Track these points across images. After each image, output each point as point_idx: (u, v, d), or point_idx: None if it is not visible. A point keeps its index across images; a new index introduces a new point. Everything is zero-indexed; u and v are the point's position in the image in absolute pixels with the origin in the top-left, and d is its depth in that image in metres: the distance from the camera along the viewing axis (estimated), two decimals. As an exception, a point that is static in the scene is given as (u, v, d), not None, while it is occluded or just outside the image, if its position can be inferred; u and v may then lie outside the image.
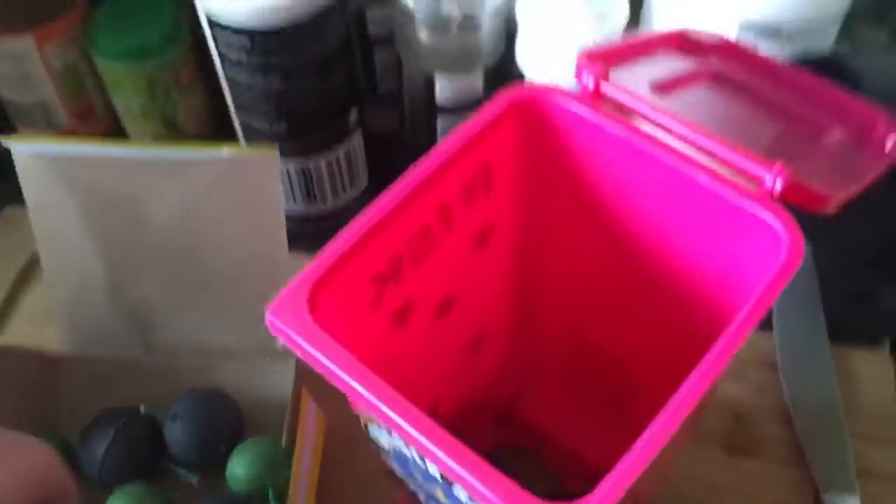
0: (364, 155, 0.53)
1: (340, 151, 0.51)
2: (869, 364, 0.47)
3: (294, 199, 0.52)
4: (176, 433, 0.43)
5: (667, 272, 0.33)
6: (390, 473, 0.36)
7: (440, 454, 0.24)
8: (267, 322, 0.26)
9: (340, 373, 0.25)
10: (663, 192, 0.31)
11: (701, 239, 0.31)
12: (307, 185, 0.51)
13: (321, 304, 0.27)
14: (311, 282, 0.27)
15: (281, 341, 0.26)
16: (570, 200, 0.34)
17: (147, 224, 0.44)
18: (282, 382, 0.42)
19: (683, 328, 0.34)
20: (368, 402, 0.25)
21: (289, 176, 0.51)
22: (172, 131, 0.55)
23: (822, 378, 0.45)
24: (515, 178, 0.34)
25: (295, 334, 0.26)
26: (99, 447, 0.42)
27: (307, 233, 0.54)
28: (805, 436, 0.44)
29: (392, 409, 0.25)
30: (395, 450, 0.31)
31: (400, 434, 0.25)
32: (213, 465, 0.42)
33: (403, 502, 0.38)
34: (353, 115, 0.50)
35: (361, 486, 0.44)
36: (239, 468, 0.41)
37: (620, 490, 0.23)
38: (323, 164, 0.50)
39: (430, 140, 0.52)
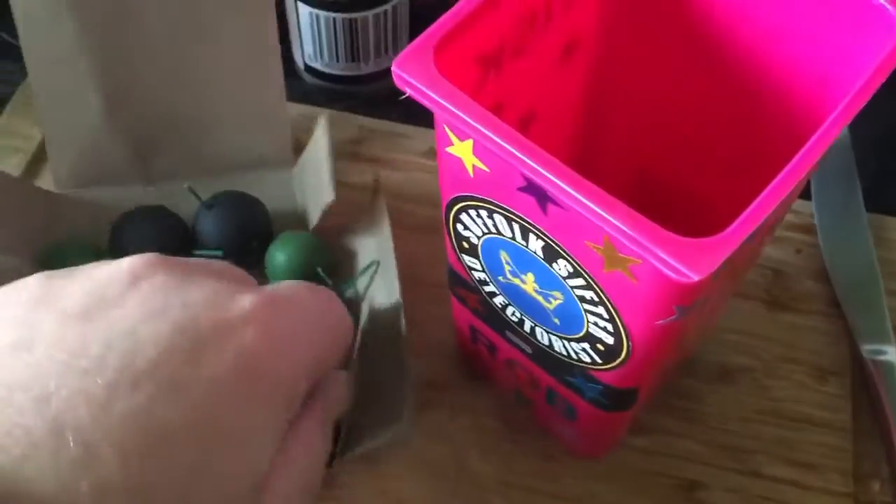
0: (408, 14, 0.53)
1: (388, 6, 0.50)
2: (902, 231, 0.48)
3: (337, 58, 0.52)
4: (209, 223, 0.43)
5: (758, 86, 0.34)
6: (458, 288, 0.36)
7: (577, 193, 0.24)
8: (393, 75, 0.27)
9: (469, 119, 0.26)
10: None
11: (802, 43, 0.32)
12: (352, 42, 0.51)
13: (441, 68, 0.27)
14: (434, 40, 0.27)
15: (408, 92, 0.26)
16: (656, 11, 0.34)
17: (139, 33, 0.42)
18: (289, 192, 0.44)
19: (773, 152, 0.35)
20: (499, 146, 0.25)
21: (334, 30, 0.50)
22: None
23: (858, 240, 0.47)
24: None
25: (422, 84, 0.26)
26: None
27: (346, 93, 0.54)
28: (843, 292, 0.45)
29: (525, 151, 0.25)
30: (486, 241, 0.32)
31: (534, 176, 0.25)
32: (243, 260, 0.43)
33: (462, 325, 0.39)
34: (404, -30, 0.50)
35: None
36: (280, 254, 0.41)
37: (753, 224, 0.24)
38: (370, 18, 0.50)
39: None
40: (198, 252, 0.43)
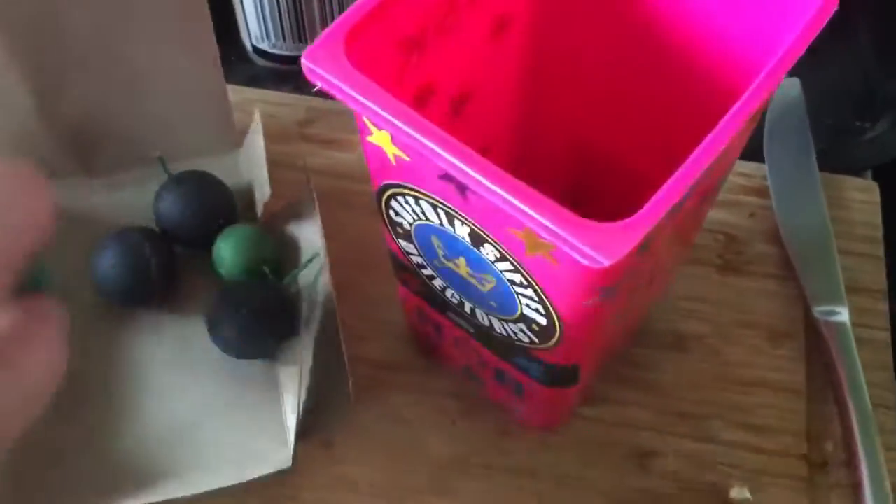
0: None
1: (333, -18, 0.50)
2: (856, 190, 0.48)
3: (284, 37, 0.52)
4: (169, 202, 0.43)
5: (692, 59, 0.34)
6: (400, 272, 0.36)
7: (490, 183, 0.24)
8: (303, 67, 0.26)
9: (382, 111, 0.25)
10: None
11: (733, 13, 0.31)
12: (298, 20, 0.50)
13: (353, 57, 0.27)
14: (346, 28, 0.27)
15: (318, 85, 0.26)
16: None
17: (66, 26, 0.41)
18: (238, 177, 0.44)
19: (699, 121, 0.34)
20: (413, 138, 0.25)
21: (279, 8, 0.50)
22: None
23: (812, 202, 0.47)
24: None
25: (333, 76, 0.26)
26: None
27: (294, 73, 0.54)
28: (796, 254, 0.45)
29: (438, 142, 0.25)
30: (417, 227, 0.31)
31: (448, 168, 0.25)
32: (202, 244, 0.43)
33: (409, 307, 0.39)
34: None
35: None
36: (226, 248, 0.41)
37: (664, 207, 0.24)
38: (315, -5, 0.50)
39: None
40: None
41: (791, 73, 0.50)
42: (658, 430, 0.41)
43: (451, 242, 0.30)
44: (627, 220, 0.23)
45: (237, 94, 0.51)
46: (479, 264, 0.30)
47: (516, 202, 0.24)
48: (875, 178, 0.49)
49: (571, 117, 0.40)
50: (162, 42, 0.42)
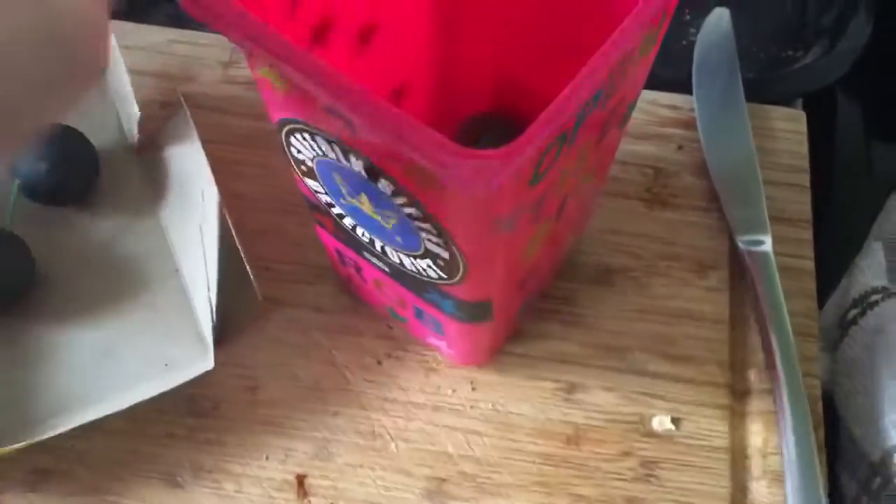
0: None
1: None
2: (783, 119, 0.48)
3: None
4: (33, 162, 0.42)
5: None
6: (314, 212, 0.36)
7: (367, 112, 0.24)
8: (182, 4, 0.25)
9: (261, 44, 0.24)
10: None
11: None
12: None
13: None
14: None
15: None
16: None
17: None
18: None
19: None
20: (282, 66, 0.24)
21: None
22: None
23: (738, 133, 0.46)
24: None
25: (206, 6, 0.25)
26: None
27: None
28: (721, 184, 0.45)
29: (309, 67, 0.24)
30: (318, 163, 0.31)
31: (323, 96, 0.24)
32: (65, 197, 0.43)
33: (330, 249, 0.39)
34: None
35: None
36: None
37: (538, 136, 0.23)
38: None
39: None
40: None
41: (720, 3, 0.50)
42: (584, 364, 0.41)
43: (351, 178, 0.30)
44: (506, 148, 0.23)
45: (160, 34, 0.50)
46: (378, 200, 0.30)
47: (397, 131, 0.23)
48: (805, 108, 0.49)
49: (493, 50, 0.39)
50: None
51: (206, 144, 0.41)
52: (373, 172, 0.28)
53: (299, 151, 0.31)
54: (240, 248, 0.39)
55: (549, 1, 0.35)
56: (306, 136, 0.29)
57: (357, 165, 0.29)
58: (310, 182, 0.33)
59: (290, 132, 0.30)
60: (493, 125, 0.41)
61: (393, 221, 0.30)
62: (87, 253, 0.43)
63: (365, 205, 0.31)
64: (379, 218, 0.31)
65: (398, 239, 0.32)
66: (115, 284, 0.42)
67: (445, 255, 0.30)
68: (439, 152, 0.23)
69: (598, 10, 0.34)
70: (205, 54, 0.49)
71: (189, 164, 0.42)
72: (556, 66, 0.37)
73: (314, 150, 0.30)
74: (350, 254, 0.37)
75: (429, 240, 0.30)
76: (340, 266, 0.40)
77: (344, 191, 0.31)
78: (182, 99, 0.44)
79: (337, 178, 0.31)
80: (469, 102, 0.42)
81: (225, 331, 0.41)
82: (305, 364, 0.41)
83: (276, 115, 0.30)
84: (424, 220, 0.28)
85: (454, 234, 0.28)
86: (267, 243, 0.44)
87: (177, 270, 0.43)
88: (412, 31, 0.37)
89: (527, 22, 0.37)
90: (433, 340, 0.40)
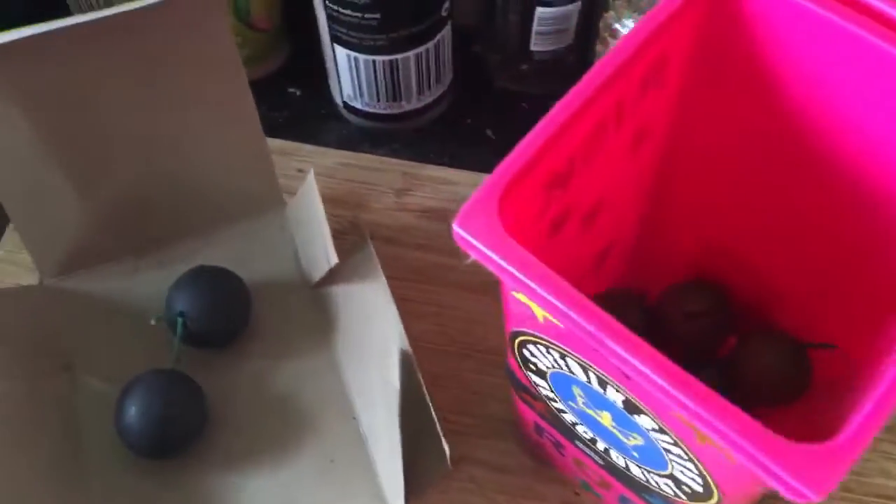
0: (451, 48, 0.49)
1: (430, 45, 0.47)
2: None
3: (378, 98, 0.49)
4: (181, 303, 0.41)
5: (845, 183, 0.30)
6: (520, 392, 0.34)
7: (663, 381, 0.21)
8: (454, 235, 0.24)
9: (547, 294, 0.23)
10: (875, 89, 0.27)
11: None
12: (393, 82, 0.48)
13: (506, 214, 0.24)
14: (500, 188, 0.24)
15: (471, 257, 0.24)
16: (746, 93, 0.31)
17: (99, 108, 0.39)
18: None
19: (855, 242, 0.31)
20: (575, 322, 0.22)
21: (374, 72, 0.47)
22: (243, 24, 0.50)
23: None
24: (685, 70, 0.30)
25: (488, 248, 0.23)
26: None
27: (390, 132, 0.51)
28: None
29: (605, 331, 0.22)
30: (554, 374, 0.29)
31: (609, 355, 0.22)
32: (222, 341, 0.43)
33: (526, 419, 0.37)
34: (447, 5, 0.46)
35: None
36: None
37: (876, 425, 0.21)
38: (412, 58, 0.47)
39: (524, 31, 0.48)
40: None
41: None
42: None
43: (598, 399, 0.28)
44: (834, 442, 0.21)
45: (327, 156, 0.49)
46: (628, 424, 0.27)
47: (701, 411, 0.21)
48: None
49: (698, 215, 0.37)
50: (204, 116, 0.40)
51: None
52: (633, 408, 0.26)
53: (533, 356, 0.29)
54: (430, 403, 0.37)
55: (766, 179, 0.33)
56: (553, 353, 0.27)
57: (614, 397, 0.26)
58: (533, 377, 0.31)
59: (528, 342, 0.28)
60: (697, 293, 0.39)
61: (637, 442, 0.28)
62: (258, 393, 0.42)
63: (604, 420, 0.29)
64: (618, 434, 0.29)
65: (636, 454, 0.29)
66: (288, 430, 0.41)
67: (699, 488, 0.27)
68: (759, 443, 0.20)
69: (827, 202, 0.31)
70: (378, 180, 0.48)
71: (371, 303, 0.41)
72: (765, 240, 0.35)
73: (556, 364, 0.28)
74: (555, 434, 0.35)
75: (682, 472, 0.27)
76: (535, 436, 0.38)
77: (580, 402, 0.29)
78: (368, 235, 0.42)
79: (576, 390, 0.29)
80: (670, 261, 0.40)
81: (407, 493, 0.39)
82: (488, 532, 0.39)
83: (518, 327, 0.28)
84: (687, 460, 0.26)
85: (722, 484, 0.26)
86: (441, 391, 0.42)
87: (354, 418, 0.41)
88: (629, 203, 0.35)
89: (738, 197, 0.34)
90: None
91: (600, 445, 0.31)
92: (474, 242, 0.23)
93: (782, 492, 0.20)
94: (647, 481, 0.30)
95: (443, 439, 0.36)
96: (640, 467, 0.30)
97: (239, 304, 0.42)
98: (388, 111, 0.50)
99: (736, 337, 0.39)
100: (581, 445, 0.33)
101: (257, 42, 0.51)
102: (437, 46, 0.47)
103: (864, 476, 0.40)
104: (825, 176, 0.31)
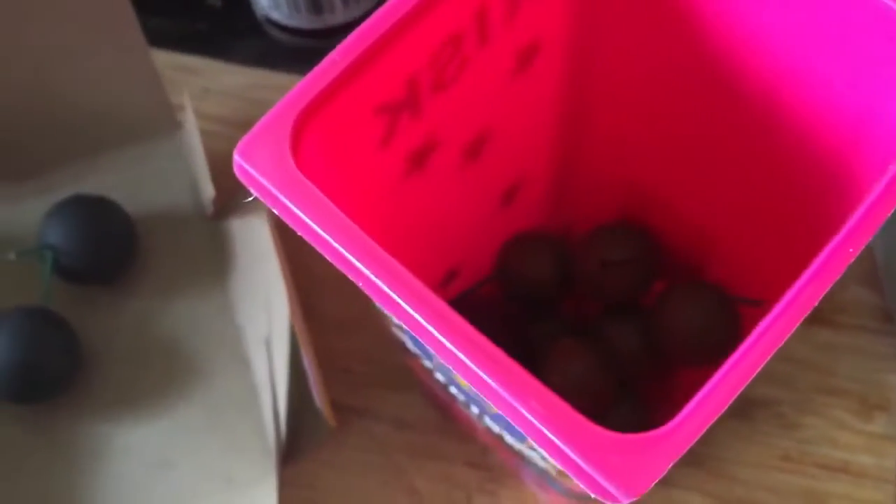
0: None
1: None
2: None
3: (298, 9, 0.44)
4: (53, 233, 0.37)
5: (777, 116, 0.25)
6: (401, 353, 0.30)
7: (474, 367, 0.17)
8: (234, 167, 0.19)
9: (334, 242, 0.18)
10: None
11: (839, 87, 0.23)
12: (313, -9, 0.43)
13: (307, 143, 0.20)
14: (293, 113, 0.19)
15: (253, 195, 0.19)
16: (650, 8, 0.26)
17: None
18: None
19: (790, 188, 0.27)
20: (373, 286, 0.18)
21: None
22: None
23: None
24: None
25: (272, 185, 0.19)
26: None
27: (313, 50, 0.46)
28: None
29: (404, 297, 0.18)
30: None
31: (413, 329, 0.18)
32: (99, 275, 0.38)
33: (418, 374, 0.33)
34: None
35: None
36: None
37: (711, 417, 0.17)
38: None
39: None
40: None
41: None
42: (711, 520, 0.35)
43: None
44: (659, 432, 0.17)
45: (237, 75, 0.44)
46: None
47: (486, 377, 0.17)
48: None
49: (618, 149, 0.32)
50: (74, 25, 0.36)
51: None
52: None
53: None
54: (307, 358, 0.33)
55: (702, 116, 0.28)
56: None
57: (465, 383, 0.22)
58: (397, 332, 0.27)
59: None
60: (619, 239, 0.34)
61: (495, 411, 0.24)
62: (142, 335, 0.38)
63: (464, 382, 0.25)
64: (484, 402, 0.25)
65: (503, 422, 0.25)
66: (173, 376, 0.37)
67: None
68: (565, 433, 0.16)
69: (772, 146, 0.26)
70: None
71: (259, 241, 0.37)
72: (697, 183, 0.31)
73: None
74: (443, 393, 0.31)
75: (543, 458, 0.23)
76: (429, 389, 0.34)
77: (435, 360, 0.25)
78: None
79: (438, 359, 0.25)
80: (591, 202, 0.35)
81: (293, 450, 0.35)
82: (384, 494, 0.36)
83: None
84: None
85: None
86: (348, 338, 0.38)
87: (247, 366, 0.37)
88: (531, 133, 0.30)
89: (669, 132, 0.30)
90: (534, 488, 0.34)
91: (474, 409, 0.28)
92: (256, 175, 0.19)
93: (585, 488, 0.16)
94: (520, 452, 0.27)
95: (316, 398, 0.32)
96: (511, 436, 0.26)
97: (118, 237, 0.38)
98: (311, 25, 0.45)
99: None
100: (463, 409, 0.30)
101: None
102: (360, -50, 0.42)
103: (809, 443, 0.36)
104: (741, 107, 0.26)
